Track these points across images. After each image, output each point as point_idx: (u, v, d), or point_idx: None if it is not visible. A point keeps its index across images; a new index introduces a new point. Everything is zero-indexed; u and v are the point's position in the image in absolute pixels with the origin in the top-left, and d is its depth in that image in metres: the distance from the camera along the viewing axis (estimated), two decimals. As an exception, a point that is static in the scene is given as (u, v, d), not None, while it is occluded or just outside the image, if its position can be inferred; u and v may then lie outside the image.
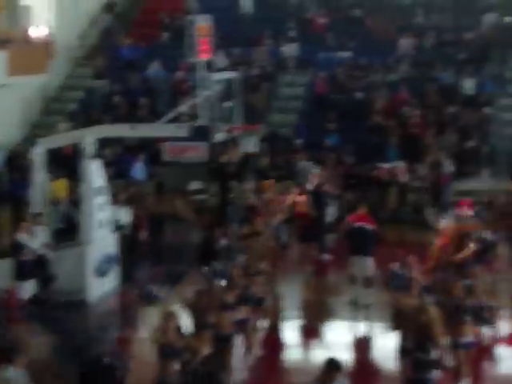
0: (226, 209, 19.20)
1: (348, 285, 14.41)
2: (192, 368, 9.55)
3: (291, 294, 15.17)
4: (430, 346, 9.15)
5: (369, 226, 14.16)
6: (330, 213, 18.86)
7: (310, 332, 13.77)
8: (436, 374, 9.28)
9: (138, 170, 21.86)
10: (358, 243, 14.04)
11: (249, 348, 11.95)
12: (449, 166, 20.45)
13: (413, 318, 9.69)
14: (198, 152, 22.97)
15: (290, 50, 26.89)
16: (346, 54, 26.65)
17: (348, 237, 14.45)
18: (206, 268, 13.24)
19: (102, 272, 15.47)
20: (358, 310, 13.95)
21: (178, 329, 9.75)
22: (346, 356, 12.44)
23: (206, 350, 10.08)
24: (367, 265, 13.99)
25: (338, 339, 13.18)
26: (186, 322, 10.60)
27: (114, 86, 26.47)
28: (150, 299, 9.97)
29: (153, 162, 22.79)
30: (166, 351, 9.39)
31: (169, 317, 9.63)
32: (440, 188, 19.67)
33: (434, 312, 9.57)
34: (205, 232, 15.78)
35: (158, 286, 15.02)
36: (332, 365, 8.09)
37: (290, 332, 13.63)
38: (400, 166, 21.27)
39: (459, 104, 23.64)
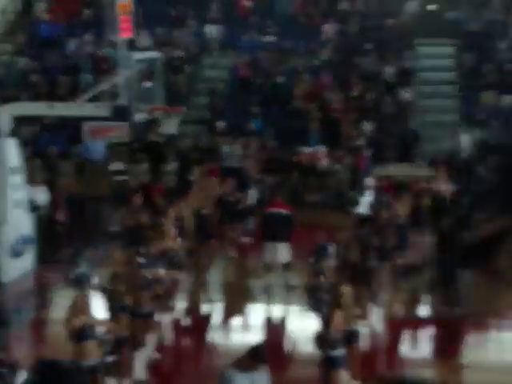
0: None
1: (264, 270, 14.47)
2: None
3: (213, 276, 15.15)
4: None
5: (283, 212, 14.16)
6: (251, 196, 18.92)
7: (230, 314, 13.78)
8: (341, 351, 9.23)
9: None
10: (271, 229, 14.04)
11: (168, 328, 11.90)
12: (367, 151, 20.67)
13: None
14: (118, 132, 22.66)
15: (213, 31, 26.73)
16: (269, 38, 26.63)
17: (262, 223, 14.47)
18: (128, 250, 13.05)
19: (17, 253, 15.15)
20: (272, 294, 14.02)
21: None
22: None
23: (123, 331, 10.04)
24: (280, 251, 14.01)
25: (257, 322, 13.22)
26: (101, 304, 10.46)
27: (33, 64, 25.87)
28: (80, 282, 9.76)
29: (73, 142, 22.38)
30: (82, 334, 9.23)
31: (84, 298, 9.46)
32: (358, 173, 19.85)
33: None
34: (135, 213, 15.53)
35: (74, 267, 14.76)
36: (256, 354, 7.80)
37: (211, 314, 13.60)
38: (321, 150, 21.43)
39: (380, 90, 23.90)
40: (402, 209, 14.15)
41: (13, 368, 8.17)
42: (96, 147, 21.61)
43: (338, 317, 9.19)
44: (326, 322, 9.27)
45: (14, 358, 8.53)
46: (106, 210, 19.97)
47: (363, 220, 13.37)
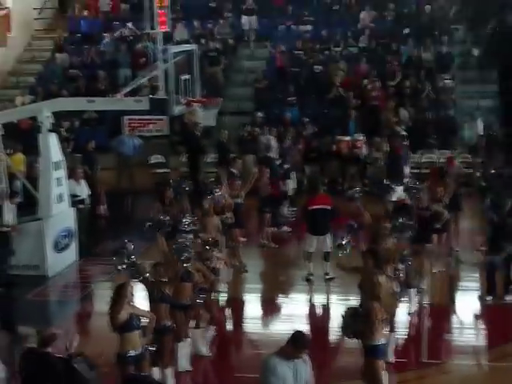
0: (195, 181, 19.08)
1: (304, 260, 14.53)
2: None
3: (251, 267, 15.22)
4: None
5: (327, 207, 14.27)
6: (290, 186, 18.96)
7: (270, 304, 13.85)
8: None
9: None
10: (315, 225, 14.21)
11: (209, 319, 11.97)
12: (405, 139, 20.52)
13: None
14: (157, 125, 22.86)
15: (249, 22, 26.73)
16: (306, 27, 26.57)
17: (306, 218, 14.56)
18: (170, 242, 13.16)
19: (61, 247, 15.37)
20: (312, 284, 14.09)
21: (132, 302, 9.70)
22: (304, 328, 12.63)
23: (164, 321, 10.15)
24: (323, 243, 14.17)
25: (297, 312, 13.26)
26: (143, 295, 10.57)
27: (72, 59, 26.15)
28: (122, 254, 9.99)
29: (112, 136, 22.59)
30: (127, 325, 9.33)
31: (126, 289, 9.56)
32: (397, 160, 19.68)
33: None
34: (167, 207, 15.65)
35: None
36: (298, 342, 7.82)
37: (251, 304, 13.68)
38: (360, 138, 21.33)
39: (419, 77, 23.71)
40: (442, 193, 14.12)
41: (90, 364, 8.35)
42: (129, 142, 21.75)
43: (377, 307, 9.19)
44: (366, 312, 9.26)
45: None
46: (146, 202, 20.12)
47: (397, 209, 13.37)
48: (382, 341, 9.22)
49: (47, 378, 8.13)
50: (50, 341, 8.35)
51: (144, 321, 9.66)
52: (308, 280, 14.31)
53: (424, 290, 13.14)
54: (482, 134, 21.48)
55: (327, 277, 14.18)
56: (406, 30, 25.47)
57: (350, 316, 9.33)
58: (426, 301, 13.18)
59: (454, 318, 13.10)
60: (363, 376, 9.28)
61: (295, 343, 7.81)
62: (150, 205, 19.63)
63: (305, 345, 7.85)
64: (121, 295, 9.39)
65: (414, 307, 12.77)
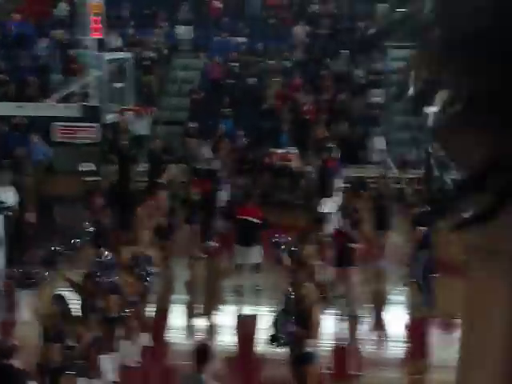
0: (123, 191, 18.90)
1: (234, 271, 14.52)
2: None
3: (180, 277, 15.14)
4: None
5: (256, 220, 14.26)
6: (222, 198, 18.92)
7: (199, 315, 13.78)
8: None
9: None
10: (244, 235, 14.18)
11: (137, 331, 11.83)
12: (337, 153, 20.72)
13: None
14: (89, 133, 22.56)
15: (184, 32, 26.68)
16: (240, 40, 26.65)
17: (235, 228, 14.57)
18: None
19: (-14, 254, 15.02)
20: (242, 295, 14.08)
21: (65, 312, 9.54)
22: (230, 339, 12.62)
23: (90, 334, 9.99)
24: (252, 254, 14.13)
25: (225, 323, 13.22)
26: (74, 306, 10.40)
27: (2, 63, 25.64)
28: (28, 282, 9.75)
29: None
30: (50, 335, 9.19)
31: (54, 300, 9.42)
32: (326, 173, 19.85)
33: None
34: (96, 214, 15.47)
35: (43, 268, 14.68)
36: (200, 354, 7.64)
37: (179, 315, 13.60)
38: (292, 151, 21.48)
39: (351, 92, 24.02)
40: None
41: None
42: (39, 149, 21.32)
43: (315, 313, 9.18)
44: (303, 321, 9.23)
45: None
46: (75, 210, 19.86)
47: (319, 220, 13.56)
48: (314, 347, 9.17)
49: None
50: (12, 352, 8.06)
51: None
52: (237, 291, 14.28)
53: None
54: (383, 149, 21.81)
55: (257, 288, 14.18)
56: (340, 47, 25.76)
57: (279, 324, 9.32)
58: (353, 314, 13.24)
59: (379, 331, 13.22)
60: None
61: (197, 357, 7.59)
62: (79, 213, 19.53)
63: (206, 358, 7.58)
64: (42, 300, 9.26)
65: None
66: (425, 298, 13.30)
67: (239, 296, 14.19)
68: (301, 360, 9.17)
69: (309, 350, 9.11)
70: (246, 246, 14.22)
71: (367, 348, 12.47)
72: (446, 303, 13.34)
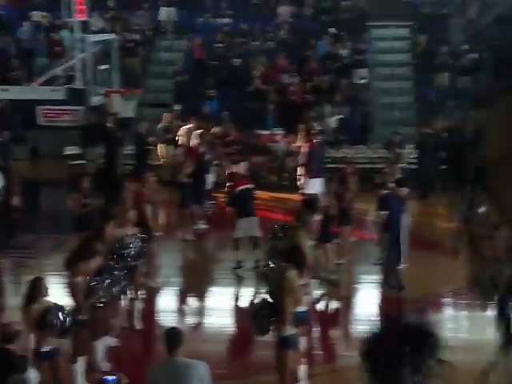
0: (111, 174, 18.77)
1: (232, 249, 14.44)
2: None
3: (170, 260, 15.13)
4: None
5: (250, 187, 14.34)
6: (209, 180, 18.86)
7: (188, 298, 13.78)
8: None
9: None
10: (245, 205, 14.15)
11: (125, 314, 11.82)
12: (321, 135, 20.70)
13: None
14: (73, 116, 22.42)
15: (168, 14, 26.51)
16: (225, 20, 26.53)
17: (233, 201, 14.47)
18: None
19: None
20: (240, 276, 14.04)
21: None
22: (226, 322, 12.63)
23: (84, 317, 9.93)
24: (252, 226, 14.10)
25: (220, 305, 13.23)
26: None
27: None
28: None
29: (27, 126, 22.06)
30: (42, 322, 9.11)
31: (42, 281, 9.36)
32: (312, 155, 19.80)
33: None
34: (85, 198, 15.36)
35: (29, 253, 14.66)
36: (169, 339, 7.37)
37: (167, 298, 13.58)
38: (278, 132, 21.46)
39: (336, 72, 23.97)
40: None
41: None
42: None
43: (288, 300, 9.09)
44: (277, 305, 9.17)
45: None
46: (60, 194, 19.78)
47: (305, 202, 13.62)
48: (290, 332, 9.10)
49: (7, 378, 7.70)
50: (14, 337, 7.97)
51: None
52: (236, 269, 14.20)
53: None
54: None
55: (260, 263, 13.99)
56: (324, 27, 25.70)
57: (259, 309, 9.28)
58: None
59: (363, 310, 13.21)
60: (276, 367, 9.21)
61: (166, 342, 7.40)
62: (64, 196, 19.42)
63: (175, 343, 7.36)
64: (32, 287, 9.20)
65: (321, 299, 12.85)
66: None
67: (239, 275, 14.09)
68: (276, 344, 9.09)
69: (284, 334, 9.00)
70: (247, 216, 14.13)
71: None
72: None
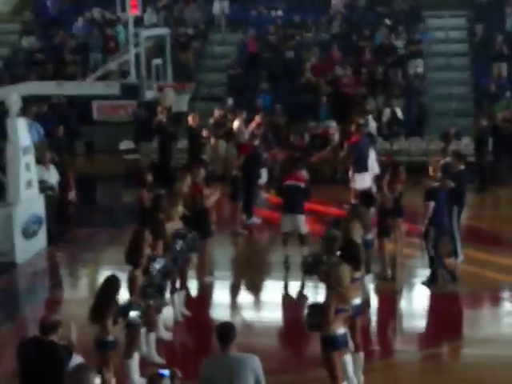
0: (165, 168, 18.80)
1: (280, 244, 14.32)
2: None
3: (222, 253, 15.12)
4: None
5: (300, 184, 14.08)
6: (263, 174, 18.78)
7: (240, 291, 13.74)
8: None
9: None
10: (288, 202, 14.00)
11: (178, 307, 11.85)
12: (373, 126, 20.46)
13: None
14: (128, 111, 22.57)
15: (221, 7, 26.51)
16: (277, 13, 26.43)
17: (280, 195, 14.38)
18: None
19: (29, 233, 15.11)
20: (289, 269, 13.91)
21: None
22: (280, 316, 12.56)
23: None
24: (299, 222, 13.96)
25: (270, 299, 13.16)
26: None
27: (40, 43, 25.73)
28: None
29: (82, 122, 22.28)
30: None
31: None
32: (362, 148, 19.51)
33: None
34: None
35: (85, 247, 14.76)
36: (221, 334, 7.36)
37: (220, 291, 13.55)
38: (332, 125, 21.25)
39: (391, 64, 23.67)
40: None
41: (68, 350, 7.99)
42: (31, 128, 21.11)
43: (332, 296, 8.90)
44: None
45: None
46: (116, 188, 19.96)
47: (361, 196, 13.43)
48: (338, 331, 8.81)
49: (51, 368, 7.76)
50: (54, 328, 8.00)
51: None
52: (285, 263, 14.09)
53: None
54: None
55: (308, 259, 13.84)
56: (378, 18, 25.42)
57: (308, 308, 9.15)
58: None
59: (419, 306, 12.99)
60: (324, 368, 9.05)
61: (218, 337, 7.38)
62: (119, 190, 19.56)
63: (228, 338, 7.32)
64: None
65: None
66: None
67: (287, 270, 13.98)
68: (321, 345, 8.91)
69: (329, 334, 8.80)
70: (290, 213, 13.99)
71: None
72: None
